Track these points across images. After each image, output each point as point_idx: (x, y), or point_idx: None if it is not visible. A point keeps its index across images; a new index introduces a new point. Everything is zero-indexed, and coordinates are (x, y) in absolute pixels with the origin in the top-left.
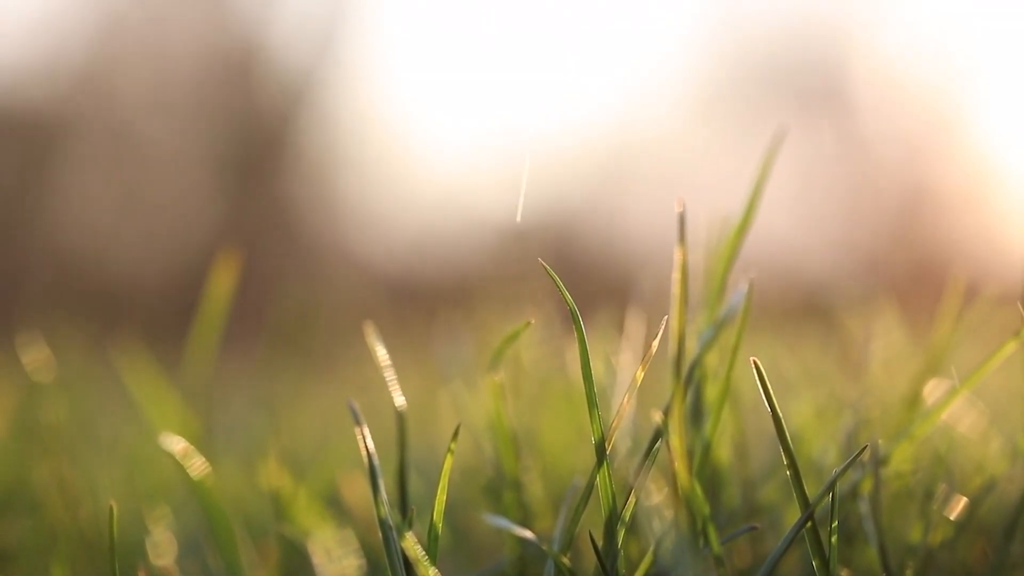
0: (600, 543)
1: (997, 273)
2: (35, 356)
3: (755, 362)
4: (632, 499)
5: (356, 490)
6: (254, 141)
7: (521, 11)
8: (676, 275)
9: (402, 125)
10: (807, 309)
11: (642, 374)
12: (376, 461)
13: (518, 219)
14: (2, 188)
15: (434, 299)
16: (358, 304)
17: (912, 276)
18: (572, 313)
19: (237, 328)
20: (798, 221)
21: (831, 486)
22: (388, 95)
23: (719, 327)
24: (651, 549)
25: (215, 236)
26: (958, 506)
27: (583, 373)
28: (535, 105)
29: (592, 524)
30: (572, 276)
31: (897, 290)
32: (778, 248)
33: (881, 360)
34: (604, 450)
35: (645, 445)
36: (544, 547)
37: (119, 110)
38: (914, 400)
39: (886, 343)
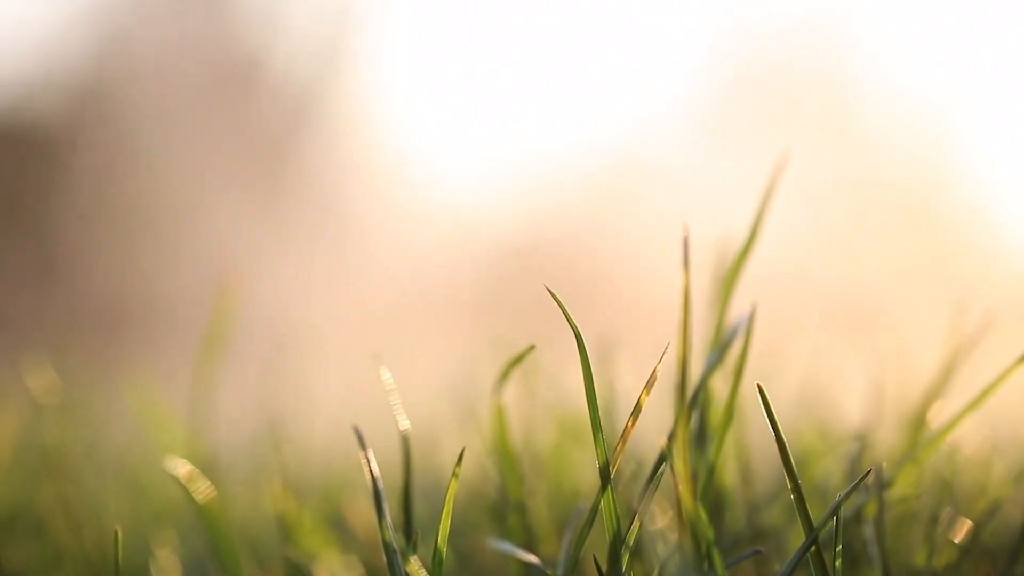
0: (604, 567)
1: (1002, 290)
2: (40, 378)
3: (759, 386)
4: (636, 523)
5: (361, 513)
6: (259, 155)
7: (527, 26)
8: (680, 298)
9: (407, 139)
10: (811, 327)
11: (646, 397)
12: (380, 485)
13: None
14: (6, 203)
15: (439, 316)
16: (363, 320)
17: (916, 293)
18: (576, 338)
19: (242, 345)
20: (801, 237)
21: (835, 510)
22: (393, 108)
23: (723, 350)
24: (655, 573)
25: (220, 251)
26: (963, 529)
27: (587, 397)
28: (541, 119)
29: (596, 548)
30: (576, 292)
31: (901, 307)
32: (781, 264)
33: (886, 380)
34: (608, 473)
35: (649, 468)
36: (548, 571)
37: (124, 124)
38: (919, 423)
39: (891, 362)
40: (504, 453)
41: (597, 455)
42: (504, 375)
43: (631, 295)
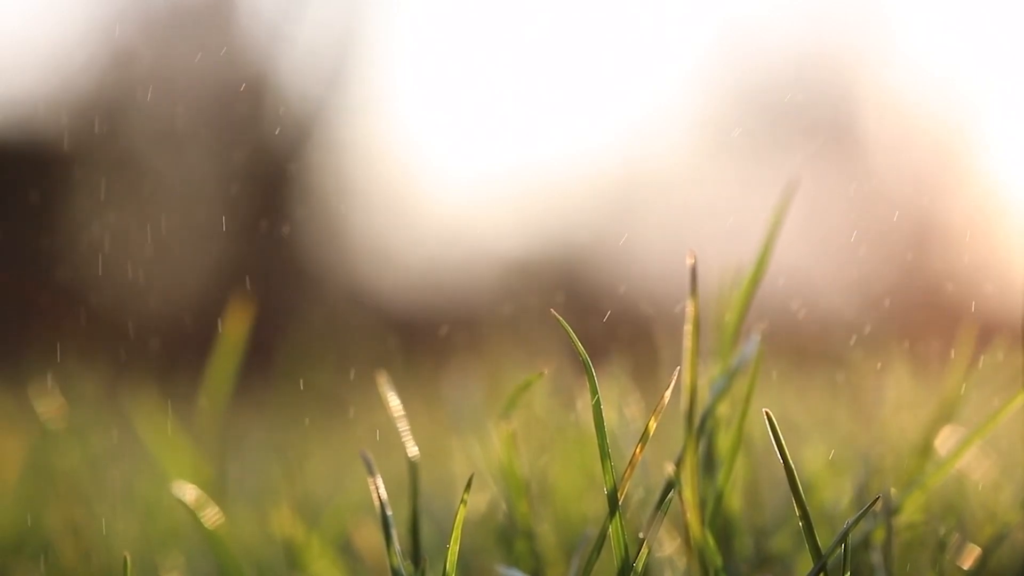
0: None
1: (1008, 310)
2: (47, 400)
3: (767, 413)
4: (645, 549)
5: (369, 537)
6: (264, 174)
7: (531, 45)
8: (688, 326)
9: (411, 158)
10: (818, 352)
11: (654, 424)
12: (388, 511)
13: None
14: (11, 223)
15: (445, 335)
16: (369, 342)
17: (923, 313)
18: (584, 364)
19: (246, 365)
20: (807, 257)
21: (843, 536)
22: (397, 128)
23: (731, 377)
24: None
25: (225, 271)
26: (971, 556)
27: (595, 423)
28: (544, 137)
29: (604, 574)
30: (582, 311)
31: (908, 328)
32: (786, 284)
33: (893, 406)
34: (616, 499)
35: (658, 495)
36: None
37: (128, 144)
38: (926, 448)
39: (898, 389)
40: (512, 479)
41: (605, 481)
42: (512, 400)
43: (637, 311)
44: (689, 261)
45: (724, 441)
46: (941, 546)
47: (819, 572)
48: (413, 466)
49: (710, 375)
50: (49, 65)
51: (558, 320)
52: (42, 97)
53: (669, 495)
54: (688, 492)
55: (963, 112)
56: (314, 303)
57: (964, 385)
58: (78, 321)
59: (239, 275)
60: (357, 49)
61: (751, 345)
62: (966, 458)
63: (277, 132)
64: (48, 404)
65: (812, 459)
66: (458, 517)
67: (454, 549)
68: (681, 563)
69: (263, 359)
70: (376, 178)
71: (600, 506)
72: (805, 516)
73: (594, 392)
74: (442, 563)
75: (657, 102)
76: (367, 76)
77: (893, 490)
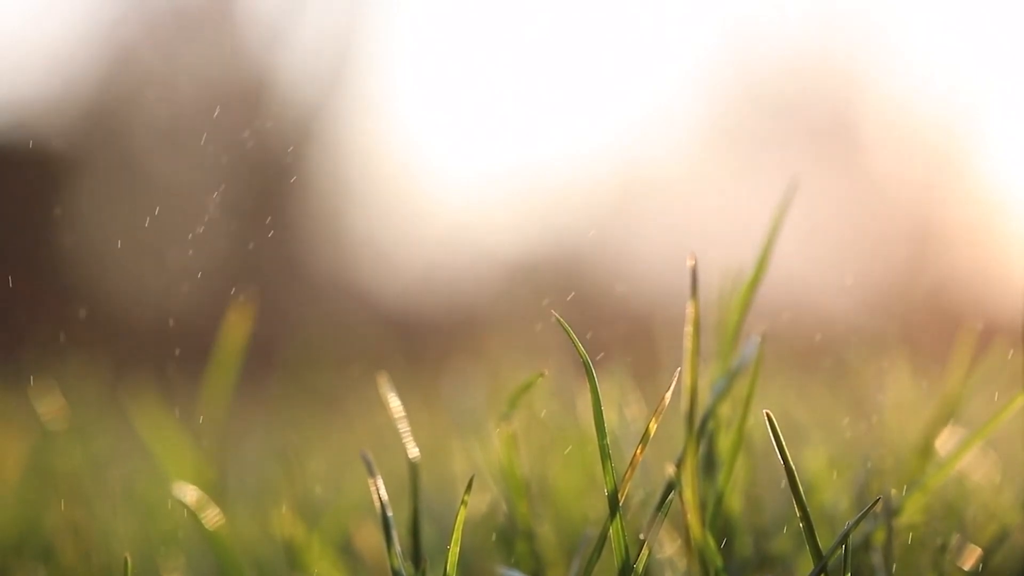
0: None
1: (1008, 312)
2: (48, 402)
3: (768, 414)
4: (645, 550)
5: (369, 538)
6: (264, 175)
7: (531, 46)
8: (688, 328)
9: (412, 159)
10: (818, 353)
11: (655, 425)
12: (389, 511)
13: (527, 253)
14: (13, 225)
15: (445, 336)
16: (369, 343)
17: (923, 314)
18: (585, 365)
19: (247, 367)
20: (806, 258)
21: (844, 537)
22: (398, 129)
23: (732, 378)
24: None
25: (225, 271)
26: (972, 557)
27: (596, 424)
28: (545, 138)
29: (605, 575)
30: (582, 312)
31: (908, 330)
32: (786, 285)
33: (893, 408)
34: (617, 500)
35: (658, 496)
36: None
37: (129, 145)
38: (927, 449)
39: (898, 390)
40: (513, 479)
41: (606, 482)
42: (513, 401)
43: (637, 312)
44: (690, 262)
45: (725, 442)
46: (942, 547)
47: (820, 573)
48: (413, 467)
49: (711, 376)
50: (50, 67)
51: (558, 321)
52: (43, 98)
53: (670, 496)
54: (689, 493)
55: (963, 113)
56: (315, 303)
57: (965, 386)
58: (78, 321)
59: (240, 275)
60: (357, 49)
61: (751, 346)
62: (967, 459)
63: (277, 132)
64: (49, 405)
65: (813, 460)
66: (459, 518)
67: (455, 550)
68: (682, 564)
69: (264, 359)
70: (376, 178)
71: (600, 507)
72: (806, 517)
73: (594, 393)
74: (443, 564)
75: (658, 103)
76: (367, 76)
77: (894, 491)
